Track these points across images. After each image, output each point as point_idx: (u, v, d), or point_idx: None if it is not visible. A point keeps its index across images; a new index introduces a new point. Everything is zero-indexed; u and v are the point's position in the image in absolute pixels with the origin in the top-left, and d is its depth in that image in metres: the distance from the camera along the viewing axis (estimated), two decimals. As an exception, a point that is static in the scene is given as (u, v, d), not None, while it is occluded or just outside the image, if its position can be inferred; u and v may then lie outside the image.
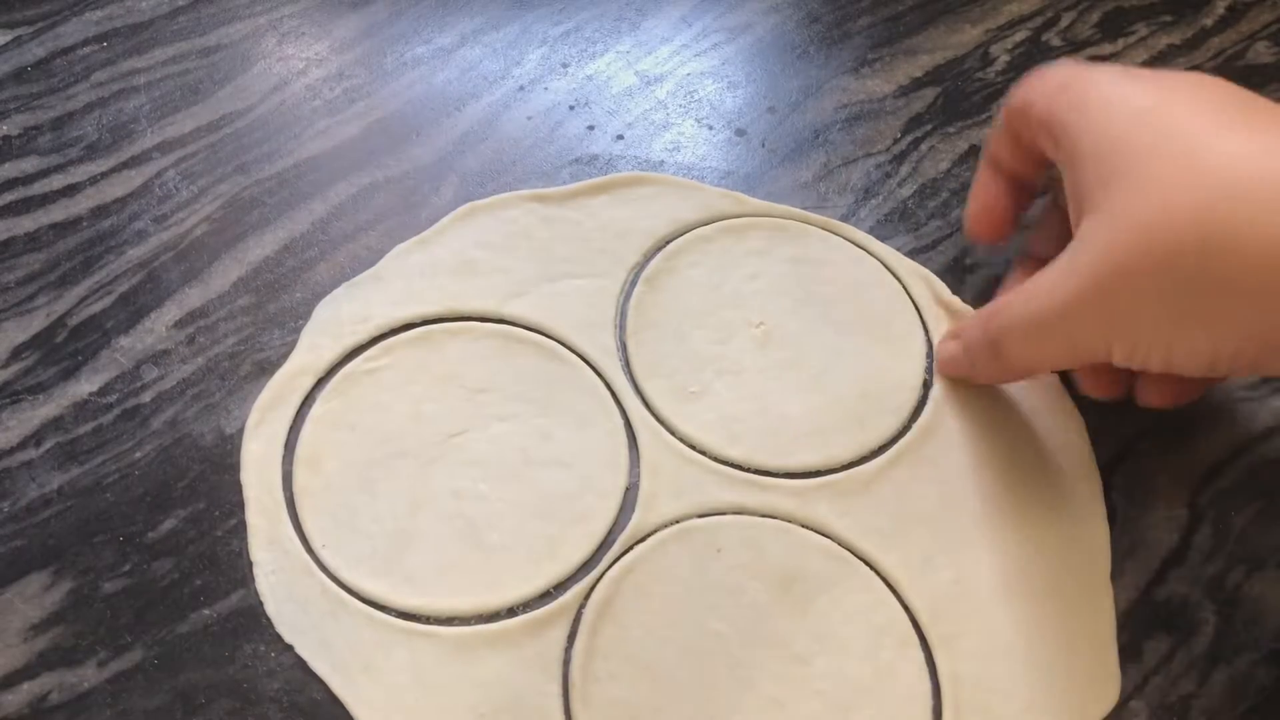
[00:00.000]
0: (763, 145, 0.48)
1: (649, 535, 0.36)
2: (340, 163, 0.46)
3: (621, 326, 0.42)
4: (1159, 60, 0.52)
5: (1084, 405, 0.40)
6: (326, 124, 0.48)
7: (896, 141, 0.48)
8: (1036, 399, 0.40)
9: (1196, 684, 0.34)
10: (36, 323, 0.41)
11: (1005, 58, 0.52)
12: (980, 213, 0.41)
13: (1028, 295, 0.34)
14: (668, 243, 0.44)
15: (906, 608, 0.35)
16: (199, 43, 0.51)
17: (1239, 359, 0.30)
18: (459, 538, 0.36)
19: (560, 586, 0.35)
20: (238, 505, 0.37)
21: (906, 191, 0.46)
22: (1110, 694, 0.34)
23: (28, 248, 0.43)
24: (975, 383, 0.39)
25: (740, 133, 0.48)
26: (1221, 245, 0.28)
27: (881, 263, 0.43)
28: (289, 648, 0.34)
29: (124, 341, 0.40)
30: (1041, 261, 0.34)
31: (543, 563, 0.36)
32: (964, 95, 0.50)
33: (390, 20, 0.52)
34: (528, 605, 0.35)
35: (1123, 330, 0.31)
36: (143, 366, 0.40)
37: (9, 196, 0.45)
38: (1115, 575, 0.36)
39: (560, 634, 0.34)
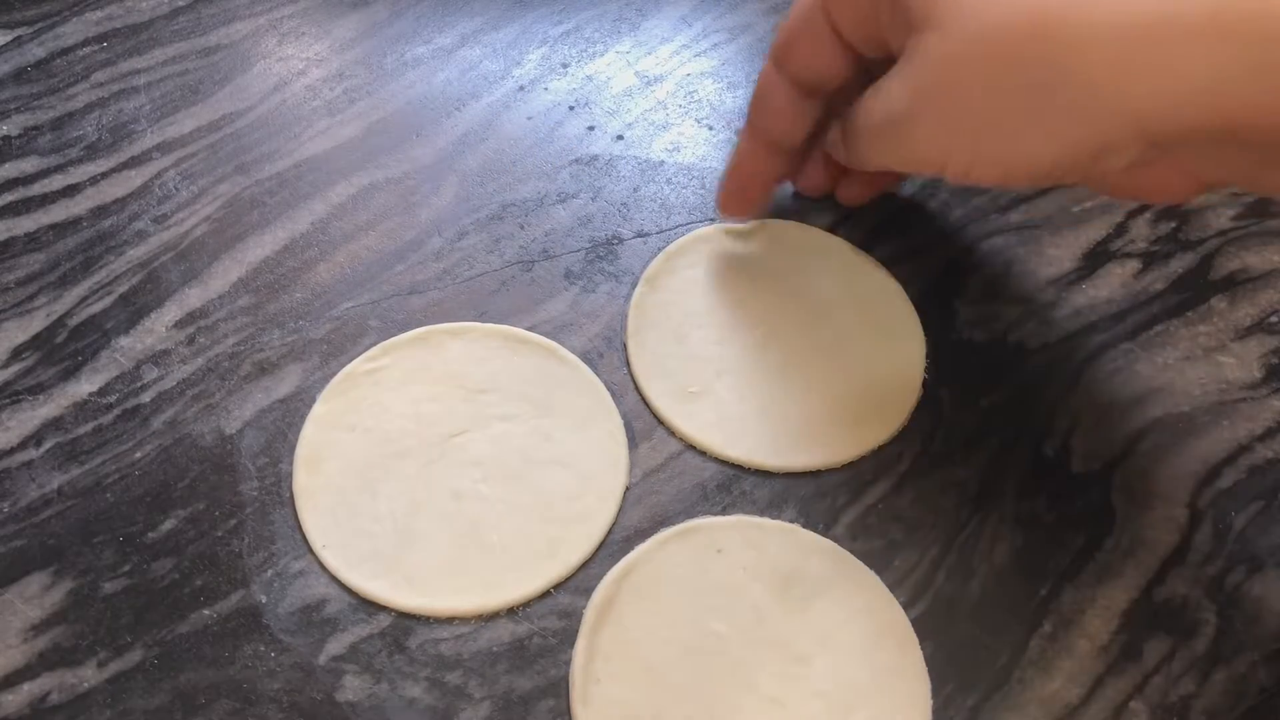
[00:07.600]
0: (763, 145, 0.48)
1: (649, 535, 0.36)
2: (340, 163, 0.46)
3: (621, 327, 0.42)
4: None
5: (1083, 403, 0.40)
6: (326, 124, 0.48)
7: (896, 141, 0.48)
8: None
9: (1196, 684, 0.34)
10: (36, 323, 0.41)
11: (1005, 58, 0.52)
12: (746, 182, 0.42)
13: (868, 108, 0.35)
14: (668, 243, 0.44)
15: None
16: (199, 43, 0.51)
17: (1077, 162, 0.30)
18: (459, 538, 0.36)
19: (560, 586, 0.35)
20: (238, 505, 0.37)
21: (905, 192, 0.46)
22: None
23: (28, 248, 0.43)
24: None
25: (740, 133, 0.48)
26: (1060, 38, 0.28)
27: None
28: (289, 648, 0.34)
29: (124, 341, 0.40)
30: None
31: (543, 563, 0.36)
32: (964, 95, 0.50)
33: (390, 20, 0.52)
34: (528, 605, 0.35)
35: (961, 140, 0.31)
36: (143, 366, 0.40)
37: (9, 196, 0.45)
38: (1116, 575, 0.36)
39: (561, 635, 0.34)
